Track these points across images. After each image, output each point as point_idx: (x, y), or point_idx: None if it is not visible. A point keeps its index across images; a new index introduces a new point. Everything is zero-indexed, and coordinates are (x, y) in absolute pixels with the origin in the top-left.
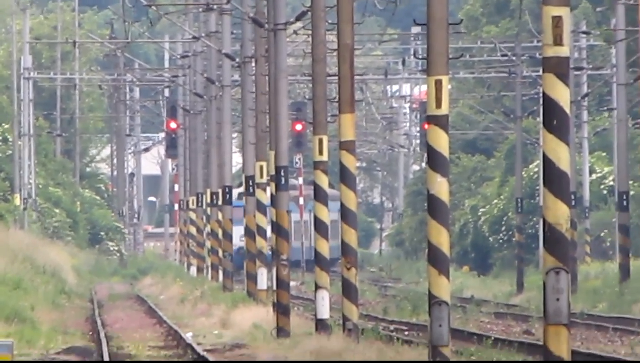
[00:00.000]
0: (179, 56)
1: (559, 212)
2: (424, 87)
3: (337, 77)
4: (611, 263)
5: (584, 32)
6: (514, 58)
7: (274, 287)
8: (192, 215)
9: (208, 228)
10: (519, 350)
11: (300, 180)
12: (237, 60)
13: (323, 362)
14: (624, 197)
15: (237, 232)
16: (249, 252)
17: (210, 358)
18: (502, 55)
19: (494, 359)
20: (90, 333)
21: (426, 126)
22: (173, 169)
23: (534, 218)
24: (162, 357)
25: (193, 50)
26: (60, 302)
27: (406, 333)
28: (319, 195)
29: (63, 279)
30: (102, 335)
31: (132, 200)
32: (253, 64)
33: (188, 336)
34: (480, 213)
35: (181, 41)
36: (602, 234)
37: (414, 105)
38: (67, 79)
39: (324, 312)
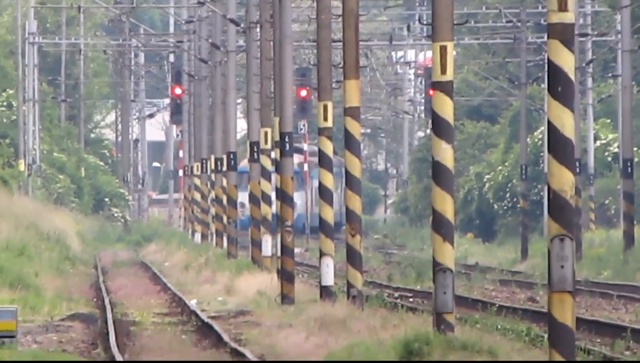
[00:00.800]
0: (184, 21)
1: (564, 179)
2: (429, 54)
3: (341, 43)
4: (616, 231)
5: None
6: (519, 24)
7: (279, 254)
8: (197, 181)
9: (212, 194)
10: (523, 317)
11: (305, 146)
12: (242, 25)
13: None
14: (629, 164)
15: (243, 197)
16: (254, 219)
17: (216, 326)
18: (507, 22)
19: (498, 326)
20: (95, 299)
21: (431, 92)
22: (177, 135)
23: (539, 186)
24: (166, 324)
25: (198, 16)
26: (64, 268)
27: (410, 300)
28: (324, 162)
29: (67, 246)
30: (106, 301)
31: (137, 167)
32: (258, 30)
33: (192, 303)
34: (485, 180)
35: (186, 6)
36: (606, 201)
37: (419, 72)
38: (71, 44)
39: (329, 279)
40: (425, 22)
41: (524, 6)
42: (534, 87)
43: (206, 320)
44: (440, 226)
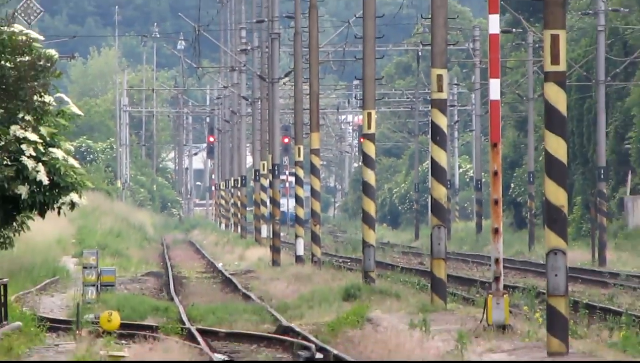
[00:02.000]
0: (215, 97)
1: (441, 192)
2: (361, 117)
3: (309, 110)
4: (471, 223)
5: (455, 84)
6: (414, 99)
7: (271, 236)
8: (222, 193)
9: (232, 200)
10: (416, 274)
11: (287, 173)
12: (250, 100)
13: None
14: (479, 183)
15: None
16: (256, 215)
17: (233, 279)
18: (407, 98)
19: (401, 279)
20: (162, 263)
21: (362, 140)
22: (211, 165)
23: (425, 195)
24: (203, 278)
25: (223, 94)
26: (144, 244)
27: (349, 263)
28: (298, 182)
29: (145, 231)
30: (168, 265)
31: (187, 184)
32: (259, 103)
33: (219, 265)
34: (393, 192)
35: (216, 89)
36: (465, 205)
37: (355, 127)
38: (149, 112)
39: (300, 251)
40: (358, 98)
41: (417, 89)
42: (423, 136)
43: (228, 275)
44: (367, 219)
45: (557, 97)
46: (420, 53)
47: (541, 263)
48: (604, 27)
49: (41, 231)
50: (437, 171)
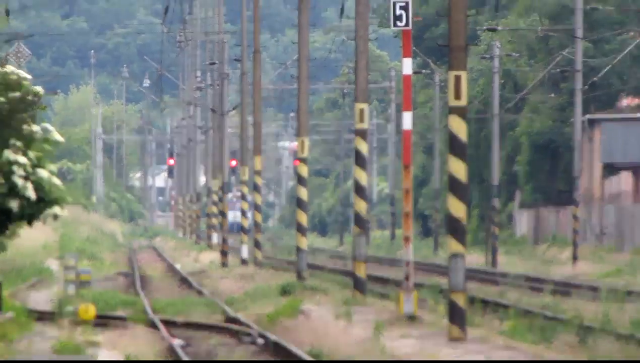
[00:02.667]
0: (175, 127)
1: (361, 206)
2: (296, 143)
3: (253, 137)
4: (387, 231)
5: (375, 116)
6: (340, 129)
7: (221, 242)
8: (180, 207)
9: (188, 213)
10: (340, 274)
11: (234, 190)
12: (203, 129)
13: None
14: (392, 198)
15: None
16: (208, 225)
17: (189, 278)
18: (334, 128)
19: (328, 279)
20: (129, 265)
21: (297, 163)
22: (171, 184)
23: (348, 209)
24: (164, 277)
25: (182, 124)
26: (114, 249)
27: (285, 265)
28: (245, 198)
29: (116, 238)
30: (135, 266)
31: (151, 199)
32: (211, 132)
33: (178, 267)
34: (322, 206)
35: (176, 120)
36: (382, 217)
37: (290, 152)
38: (119, 139)
39: (245, 254)
40: (294, 128)
41: (342, 120)
42: (347, 160)
43: (184, 275)
44: (300, 228)
45: (459, 127)
46: (345, 90)
47: (444, 265)
48: (498, 68)
49: (29, 238)
50: (359, 189)
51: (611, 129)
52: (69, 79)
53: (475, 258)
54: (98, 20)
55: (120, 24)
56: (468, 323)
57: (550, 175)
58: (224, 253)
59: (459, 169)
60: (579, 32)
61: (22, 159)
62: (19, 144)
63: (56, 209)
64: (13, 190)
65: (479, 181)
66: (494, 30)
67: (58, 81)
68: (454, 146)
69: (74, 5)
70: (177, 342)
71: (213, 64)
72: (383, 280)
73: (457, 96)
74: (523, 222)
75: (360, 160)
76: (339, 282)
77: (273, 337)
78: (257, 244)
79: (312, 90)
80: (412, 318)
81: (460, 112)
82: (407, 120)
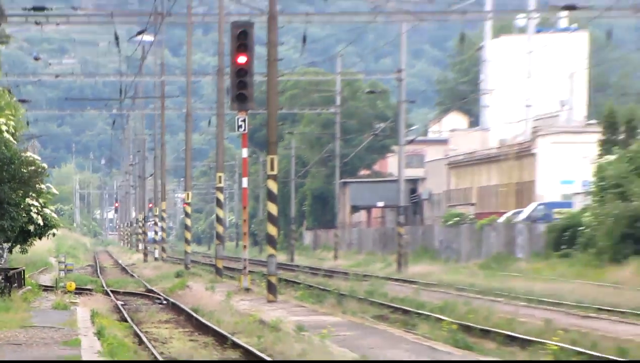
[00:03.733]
0: (118, 186)
1: (220, 229)
2: (183, 195)
3: (161, 191)
4: (234, 242)
5: (228, 180)
6: (209, 187)
7: (144, 249)
8: (122, 228)
9: (127, 232)
10: (209, 266)
11: (151, 220)
12: (134, 186)
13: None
14: (237, 225)
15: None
16: (137, 239)
17: (127, 268)
18: (206, 187)
19: (202, 269)
20: (94, 261)
21: (185, 205)
22: (117, 216)
23: (213, 230)
24: (113, 268)
25: (122, 185)
26: (85, 252)
27: (179, 261)
28: (156, 224)
29: (86, 247)
30: (97, 262)
31: (105, 225)
32: (138, 188)
33: (120, 262)
34: (199, 228)
35: (119, 181)
36: (232, 234)
37: (181, 199)
38: (88, 193)
39: (157, 255)
40: (183, 186)
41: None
42: (213, 204)
43: (124, 266)
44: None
45: (273, 186)
46: (211, 166)
47: (265, 261)
48: (294, 154)
49: (39, 246)
50: (219, 219)
51: (355, 187)
52: (61, 159)
53: (282, 257)
54: (78, 127)
55: (89, 129)
56: (278, 293)
57: (322, 211)
58: (145, 255)
59: (272, 208)
60: (338, 134)
61: (35, 203)
62: (34, 195)
63: (54, 230)
64: (30, 220)
65: (283, 215)
66: (291, 133)
67: (54, 160)
68: (270, 195)
69: (65, 117)
70: (119, 303)
71: (139, 151)
72: (232, 269)
73: (272, 169)
74: (308, 237)
75: (219, 203)
76: (208, 271)
77: (172, 300)
78: (163, 249)
79: (194, 165)
80: (247, 290)
81: (274, 177)
82: (245, 182)
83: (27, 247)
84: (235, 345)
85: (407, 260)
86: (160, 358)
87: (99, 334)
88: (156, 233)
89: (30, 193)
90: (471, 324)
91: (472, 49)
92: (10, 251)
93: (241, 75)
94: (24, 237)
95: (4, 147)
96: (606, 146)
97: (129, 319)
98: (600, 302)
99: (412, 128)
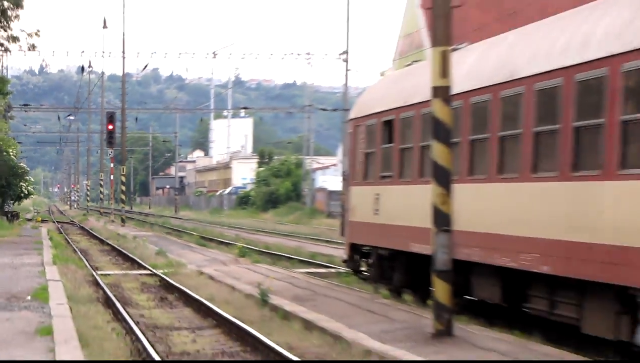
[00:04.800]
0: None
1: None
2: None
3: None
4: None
5: None
6: None
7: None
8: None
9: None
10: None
11: None
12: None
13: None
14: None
15: None
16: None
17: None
18: None
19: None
20: (49, 210)
21: None
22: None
23: None
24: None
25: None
26: (45, 206)
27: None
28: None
29: (46, 203)
30: (50, 210)
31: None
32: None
33: (60, 209)
34: None
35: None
36: None
37: None
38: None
39: (88, 210)
40: None
41: None
42: None
43: (61, 211)
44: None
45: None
46: None
47: (131, 210)
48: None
49: (26, 203)
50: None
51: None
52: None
53: (136, 209)
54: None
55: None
56: (126, 223)
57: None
58: (70, 206)
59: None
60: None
61: (24, 184)
62: (23, 181)
63: (32, 196)
64: (22, 191)
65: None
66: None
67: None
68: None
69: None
70: (59, 226)
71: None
72: (108, 213)
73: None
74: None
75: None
76: (97, 213)
77: (81, 225)
78: (77, 204)
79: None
80: (112, 221)
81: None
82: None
83: (20, 203)
84: (108, 244)
85: (178, 209)
86: (75, 247)
87: (50, 239)
88: (74, 197)
89: (22, 181)
90: (206, 236)
91: None
92: (13, 204)
93: (110, 133)
94: (19, 198)
95: (11, 162)
96: None
97: (62, 232)
98: (257, 227)
99: None
